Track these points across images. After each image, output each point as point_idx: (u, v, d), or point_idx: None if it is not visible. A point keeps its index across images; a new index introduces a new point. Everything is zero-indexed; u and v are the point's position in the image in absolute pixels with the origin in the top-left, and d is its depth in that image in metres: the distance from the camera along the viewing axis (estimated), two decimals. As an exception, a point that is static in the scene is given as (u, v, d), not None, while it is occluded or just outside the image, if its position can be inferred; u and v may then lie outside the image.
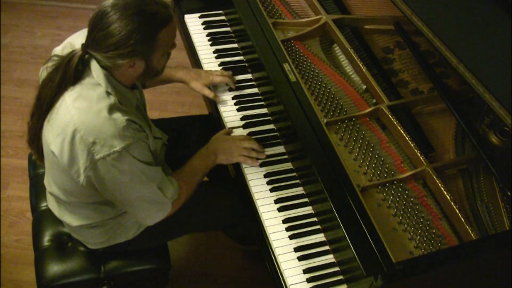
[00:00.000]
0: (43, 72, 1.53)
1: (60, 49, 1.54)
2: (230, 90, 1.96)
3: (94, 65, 1.43)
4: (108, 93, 1.44)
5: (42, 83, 1.48)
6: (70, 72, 1.42)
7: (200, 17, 2.22)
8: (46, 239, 1.79)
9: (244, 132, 1.85)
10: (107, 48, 1.36)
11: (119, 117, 1.42)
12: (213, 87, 1.96)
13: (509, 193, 1.53)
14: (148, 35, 1.37)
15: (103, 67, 1.43)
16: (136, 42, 1.35)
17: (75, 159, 1.43)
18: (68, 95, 1.43)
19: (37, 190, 1.93)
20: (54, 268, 1.72)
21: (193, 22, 2.20)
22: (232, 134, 1.83)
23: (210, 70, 1.97)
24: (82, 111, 1.41)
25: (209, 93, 1.91)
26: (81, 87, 1.43)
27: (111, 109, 1.42)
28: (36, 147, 1.58)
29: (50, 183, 1.64)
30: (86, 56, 1.43)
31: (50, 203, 1.73)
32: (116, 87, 1.46)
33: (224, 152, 1.75)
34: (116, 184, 1.47)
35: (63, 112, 1.43)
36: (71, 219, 1.65)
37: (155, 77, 1.54)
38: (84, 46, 1.42)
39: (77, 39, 1.53)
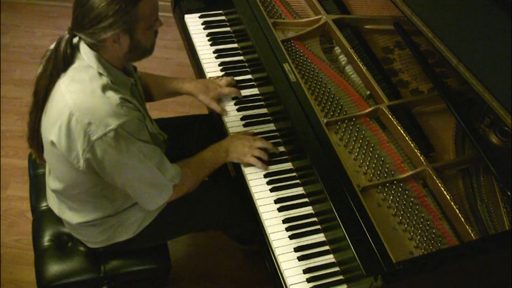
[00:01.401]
0: (39, 70, 1.53)
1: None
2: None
3: (84, 48, 1.44)
4: (100, 74, 1.45)
5: (37, 77, 1.50)
6: (59, 58, 1.43)
7: (200, 17, 2.22)
8: (46, 239, 1.79)
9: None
10: (89, 24, 1.38)
11: (113, 95, 1.43)
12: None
13: (509, 193, 1.53)
14: (127, 5, 1.37)
15: (90, 47, 1.44)
16: (116, 12, 1.36)
17: (73, 143, 1.43)
18: (61, 82, 1.44)
19: (37, 190, 1.93)
20: (54, 268, 1.72)
21: (193, 22, 2.20)
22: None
23: (217, 80, 1.94)
24: (76, 94, 1.42)
25: (216, 107, 1.89)
26: (73, 71, 1.45)
27: (104, 88, 1.43)
28: (36, 144, 1.58)
29: (51, 179, 1.64)
30: (75, 39, 1.44)
31: (51, 201, 1.73)
32: (107, 68, 1.47)
33: (236, 150, 1.73)
34: (115, 165, 1.47)
35: (58, 99, 1.44)
36: (71, 216, 1.65)
37: (145, 56, 1.53)
38: (69, 29, 1.43)
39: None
